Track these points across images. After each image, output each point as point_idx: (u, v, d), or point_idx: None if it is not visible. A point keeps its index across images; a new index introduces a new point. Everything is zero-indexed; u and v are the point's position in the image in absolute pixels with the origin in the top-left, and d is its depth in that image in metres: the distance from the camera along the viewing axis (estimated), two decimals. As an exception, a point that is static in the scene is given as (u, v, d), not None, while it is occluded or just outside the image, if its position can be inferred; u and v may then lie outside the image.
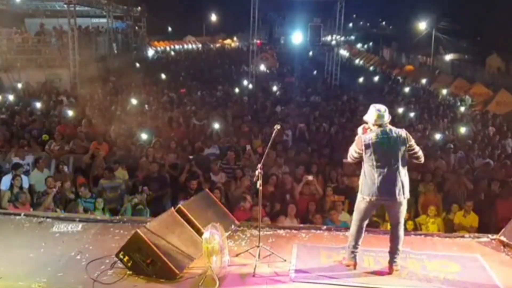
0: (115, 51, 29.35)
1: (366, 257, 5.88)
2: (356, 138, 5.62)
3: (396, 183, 5.43)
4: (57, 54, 22.49)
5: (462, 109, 20.22)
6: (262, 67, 31.08)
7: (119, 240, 6.02)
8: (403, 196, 5.49)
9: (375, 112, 5.49)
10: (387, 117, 5.49)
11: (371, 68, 43.02)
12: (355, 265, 5.63)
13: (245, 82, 24.63)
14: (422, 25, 45.82)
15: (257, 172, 5.56)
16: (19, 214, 6.97)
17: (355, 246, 5.63)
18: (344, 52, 43.76)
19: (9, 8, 24.43)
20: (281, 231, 6.55)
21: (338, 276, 5.47)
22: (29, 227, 6.59)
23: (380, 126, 5.48)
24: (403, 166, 5.51)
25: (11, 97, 17.67)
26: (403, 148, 5.48)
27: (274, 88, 23.31)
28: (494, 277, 5.50)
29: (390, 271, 5.57)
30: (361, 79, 28.90)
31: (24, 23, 26.26)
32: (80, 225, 6.60)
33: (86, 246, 5.98)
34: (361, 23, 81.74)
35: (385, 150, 5.43)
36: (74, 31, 21.58)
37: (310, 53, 42.17)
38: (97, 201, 8.78)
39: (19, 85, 19.87)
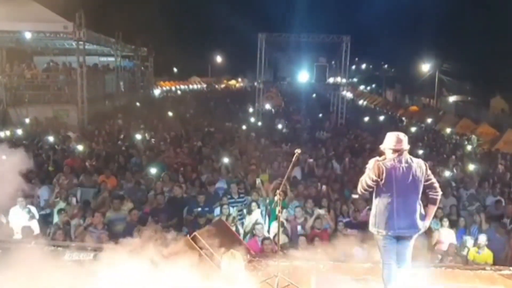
0: (122, 89, 29.62)
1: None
2: (373, 165, 5.26)
3: (415, 216, 5.22)
4: (65, 90, 22.70)
5: (469, 147, 20.15)
6: (267, 106, 31.27)
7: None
8: (422, 229, 5.29)
9: (394, 137, 5.24)
10: (406, 144, 5.30)
11: (376, 108, 43.23)
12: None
13: (252, 119, 24.75)
14: (425, 67, 46.40)
15: (276, 198, 5.42)
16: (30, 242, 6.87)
17: (392, 281, 5.33)
18: (347, 94, 44.21)
19: (19, 46, 24.79)
20: (298, 262, 6.38)
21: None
22: (41, 255, 6.45)
23: (399, 153, 5.25)
24: (420, 197, 5.32)
25: (19, 131, 17.73)
26: (422, 179, 5.25)
27: (280, 126, 23.40)
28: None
29: None
30: (366, 118, 29.00)
31: (33, 61, 26.58)
32: (92, 254, 6.49)
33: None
34: (364, 65, 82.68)
35: (405, 180, 5.16)
36: (82, 67, 21.79)
37: (314, 94, 42.51)
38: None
39: (27, 120, 19.97)
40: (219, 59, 63.84)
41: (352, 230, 9.19)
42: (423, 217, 5.30)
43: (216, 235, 6.27)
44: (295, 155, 5.42)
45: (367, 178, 5.28)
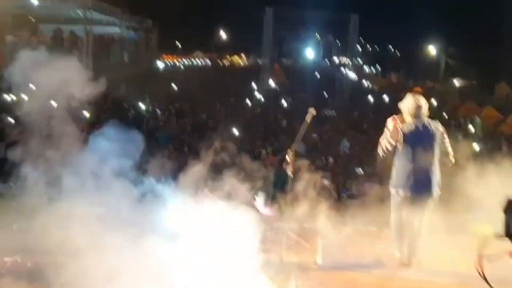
0: (126, 60, 29.49)
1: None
2: (391, 128, 5.35)
3: (431, 177, 5.31)
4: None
5: (473, 129, 20.23)
6: (272, 83, 31.16)
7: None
8: (437, 191, 5.38)
9: (413, 101, 5.32)
10: (425, 108, 5.34)
11: (380, 90, 43.07)
12: (402, 261, 5.45)
13: (257, 95, 24.71)
14: (431, 50, 46.14)
15: (287, 157, 5.39)
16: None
17: (400, 241, 5.46)
18: (351, 74, 44.07)
19: (25, 12, 24.57)
20: (306, 225, 6.44)
21: (365, 265, 5.40)
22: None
23: (417, 117, 5.34)
24: (437, 160, 5.39)
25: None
26: (439, 143, 5.37)
27: (284, 103, 23.37)
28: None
29: (408, 263, 5.42)
30: (370, 98, 28.93)
31: (38, 28, 26.36)
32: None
33: None
34: (368, 47, 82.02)
35: (422, 143, 5.27)
36: (88, 36, 21.71)
37: (319, 72, 42.36)
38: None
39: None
40: (222, 34, 63.27)
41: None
42: (439, 182, 5.41)
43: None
44: (308, 114, 5.37)
45: (386, 142, 5.39)
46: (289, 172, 5.52)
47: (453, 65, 46.52)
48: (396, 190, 5.40)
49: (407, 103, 5.38)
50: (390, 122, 5.43)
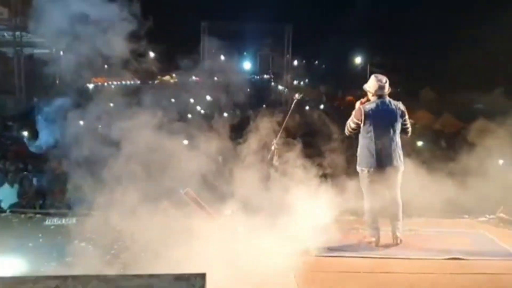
0: (57, 82, 28.51)
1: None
2: (356, 108, 5.67)
3: (394, 153, 5.54)
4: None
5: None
6: (208, 98, 31.00)
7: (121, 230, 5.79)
8: (401, 165, 5.59)
9: (376, 81, 5.59)
10: (387, 88, 5.60)
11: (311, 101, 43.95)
12: (376, 242, 5.59)
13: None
14: (357, 60, 47.76)
15: (273, 147, 5.44)
16: (4, 211, 6.55)
17: (374, 222, 5.61)
18: (282, 86, 44.84)
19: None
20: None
21: (357, 249, 5.46)
22: (19, 222, 6.20)
23: (380, 96, 5.54)
24: (398, 137, 5.63)
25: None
26: (400, 120, 5.62)
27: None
28: (506, 246, 5.65)
29: (394, 241, 5.57)
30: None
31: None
32: (75, 218, 6.31)
33: (88, 235, 5.70)
34: (295, 62, 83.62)
35: (384, 121, 5.54)
36: (20, 57, 20.89)
37: (252, 86, 42.57)
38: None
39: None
40: (152, 54, 62.54)
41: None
42: (401, 157, 5.68)
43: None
44: (294, 101, 5.49)
45: (351, 121, 5.71)
46: (275, 162, 5.54)
47: (378, 74, 48.27)
48: (362, 169, 5.59)
49: (370, 83, 5.68)
50: (357, 104, 5.76)
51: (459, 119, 21.85)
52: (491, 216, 6.69)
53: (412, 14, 39.67)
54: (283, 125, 5.69)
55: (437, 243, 5.67)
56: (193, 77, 26.04)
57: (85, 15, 7.17)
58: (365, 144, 5.57)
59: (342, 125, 5.90)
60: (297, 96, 5.53)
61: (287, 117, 5.57)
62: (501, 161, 10.70)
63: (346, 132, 5.79)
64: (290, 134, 5.80)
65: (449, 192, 6.81)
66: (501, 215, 6.59)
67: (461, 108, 25.88)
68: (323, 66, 72.82)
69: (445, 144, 16.50)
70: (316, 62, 77.85)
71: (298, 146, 5.94)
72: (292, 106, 5.50)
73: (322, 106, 31.82)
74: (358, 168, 5.66)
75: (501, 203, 6.84)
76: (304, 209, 6.17)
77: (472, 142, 16.26)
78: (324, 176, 6.77)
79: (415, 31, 40.23)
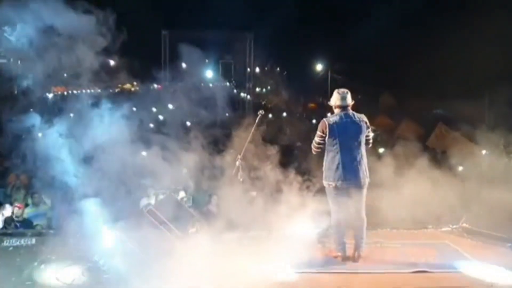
0: (15, 92, 27.80)
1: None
2: (321, 121, 5.68)
3: (359, 166, 5.51)
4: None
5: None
6: (170, 106, 30.70)
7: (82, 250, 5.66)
8: (367, 179, 5.59)
9: (337, 94, 5.61)
10: (349, 100, 5.63)
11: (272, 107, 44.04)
12: (343, 256, 5.57)
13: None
14: (318, 67, 48.16)
15: (237, 163, 5.40)
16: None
17: (340, 236, 5.59)
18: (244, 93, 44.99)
19: None
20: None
21: (324, 265, 5.43)
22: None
23: (342, 109, 5.53)
24: (363, 149, 5.63)
25: None
26: (365, 132, 5.62)
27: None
28: (470, 257, 5.70)
29: (357, 258, 5.55)
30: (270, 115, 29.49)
31: None
32: (34, 239, 6.11)
33: (48, 256, 5.51)
34: (257, 69, 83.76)
35: (349, 133, 5.53)
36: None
37: (212, 92, 42.40)
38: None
39: None
40: (112, 62, 61.75)
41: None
42: (367, 170, 5.67)
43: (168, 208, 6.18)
44: (258, 116, 5.47)
45: (316, 136, 5.69)
46: (239, 177, 5.46)
47: (339, 80, 48.86)
48: (329, 183, 5.53)
49: (333, 97, 5.71)
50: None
51: (419, 125, 22.24)
52: (455, 226, 6.76)
53: (373, 21, 40.28)
54: (247, 141, 5.62)
55: (403, 256, 5.70)
56: (154, 85, 25.80)
57: (44, 24, 7.02)
58: (330, 157, 5.53)
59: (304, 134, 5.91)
60: (261, 112, 5.50)
61: (251, 133, 5.50)
62: (460, 168, 10.90)
63: (313, 149, 5.73)
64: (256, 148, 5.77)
65: (411, 201, 6.90)
66: (464, 225, 6.67)
67: (421, 114, 26.41)
68: (285, 73, 73.58)
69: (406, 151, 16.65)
70: (278, 69, 78.64)
71: (264, 161, 5.88)
72: (256, 121, 5.45)
73: (284, 114, 31.92)
74: (325, 183, 5.64)
75: (463, 211, 6.93)
76: (269, 225, 6.14)
77: (432, 148, 16.65)
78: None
79: (376, 37, 40.91)
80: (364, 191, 5.61)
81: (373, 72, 46.05)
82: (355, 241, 5.61)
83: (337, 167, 5.46)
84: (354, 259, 5.55)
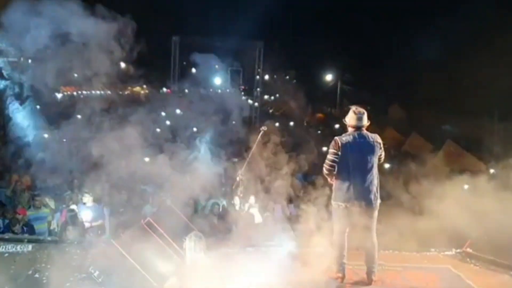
0: (25, 94, 27.95)
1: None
2: (333, 141, 5.48)
3: (371, 188, 5.39)
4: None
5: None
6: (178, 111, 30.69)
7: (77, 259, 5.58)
8: (378, 200, 5.47)
9: (353, 114, 5.46)
10: (365, 121, 5.48)
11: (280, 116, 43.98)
12: (343, 278, 5.47)
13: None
14: (328, 77, 48.08)
15: (238, 178, 5.30)
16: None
17: (341, 257, 5.48)
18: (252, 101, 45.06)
19: None
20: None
21: (325, 287, 5.33)
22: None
23: (357, 129, 5.42)
24: (376, 170, 5.50)
25: None
26: (377, 153, 5.49)
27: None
28: (471, 284, 5.59)
29: (369, 282, 5.46)
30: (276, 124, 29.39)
31: None
32: (31, 245, 6.05)
33: (43, 265, 5.46)
34: (266, 76, 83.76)
35: (361, 154, 5.38)
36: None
37: (221, 99, 42.40)
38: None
39: None
40: (123, 64, 61.85)
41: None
42: (378, 192, 5.49)
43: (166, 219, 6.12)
44: (260, 133, 5.35)
45: (329, 155, 5.48)
46: (238, 195, 5.39)
47: (348, 90, 48.70)
48: (338, 203, 5.38)
49: (349, 116, 5.52)
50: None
51: (427, 140, 22.03)
52: (458, 250, 6.64)
53: (384, 32, 40.11)
54: (249, 157, 5.52)
55: (404, 280, 5.61)
56: (164, 89, 25.65)
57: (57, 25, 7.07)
58: (341, 178, 5.38)
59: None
60: (263, 128, 5.35)
61: (252, 150, 5.39)
62: (466, 186, 10.73)
63: (325, 169, 5.50)
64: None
65: (414, 223, 6.79)
66: (468, 249, 6.54)
67: (429, 128, 26.20)
68: (294, 81, 73.50)
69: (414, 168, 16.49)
70: (287, 77, 78.57)
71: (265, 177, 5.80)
72: (259, 137, 5.32)
73: (292, 123, 31.83)
74: (334, 203, 5.45)
75: (467, 234, 6.79)
76: (269, 243, 6.06)
77: (439, 166, 16.44)
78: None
79: (386, 48, 40.72)
80: (375, 213, 5.45)
81: (382, 84, 46.00)
82: (366, 267, 5.47)
83: (348, 188, 5.31)
84: (368, 282, 5.42)
